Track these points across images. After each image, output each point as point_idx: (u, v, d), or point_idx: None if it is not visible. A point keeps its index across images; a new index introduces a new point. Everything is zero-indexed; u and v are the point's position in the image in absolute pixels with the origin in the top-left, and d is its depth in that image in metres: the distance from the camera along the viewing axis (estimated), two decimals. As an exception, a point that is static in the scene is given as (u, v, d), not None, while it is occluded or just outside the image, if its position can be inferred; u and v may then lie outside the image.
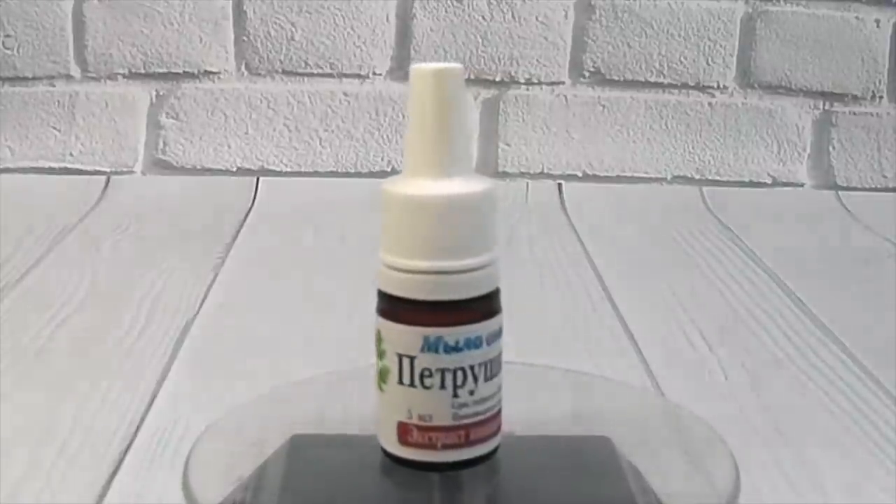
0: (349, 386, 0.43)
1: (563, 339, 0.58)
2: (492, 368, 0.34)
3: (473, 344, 0.33)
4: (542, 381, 0.42)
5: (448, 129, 0.33)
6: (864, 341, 0.58)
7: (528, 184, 0.90)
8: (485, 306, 0.33)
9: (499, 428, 0.35)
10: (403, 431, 0.34)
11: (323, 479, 0.36)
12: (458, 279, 0.33)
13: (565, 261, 0.73)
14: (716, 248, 0.77)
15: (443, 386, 0.33)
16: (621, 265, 0.72)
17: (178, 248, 0.74)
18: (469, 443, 0.34)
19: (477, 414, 0.34)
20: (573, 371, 0.45)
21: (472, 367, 0.33)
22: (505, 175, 0.90)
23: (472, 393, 0.33)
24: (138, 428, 0.46)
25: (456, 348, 0.33)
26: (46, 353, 0.55)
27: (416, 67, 0.33)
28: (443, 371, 0.33)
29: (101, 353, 0.55)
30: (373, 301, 0.34)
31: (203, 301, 0.63)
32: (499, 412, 0.35)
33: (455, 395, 0.33)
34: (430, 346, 0.33)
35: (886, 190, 0.93)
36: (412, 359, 0.33)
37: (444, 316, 0.33)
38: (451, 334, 0.33)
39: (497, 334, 0.34)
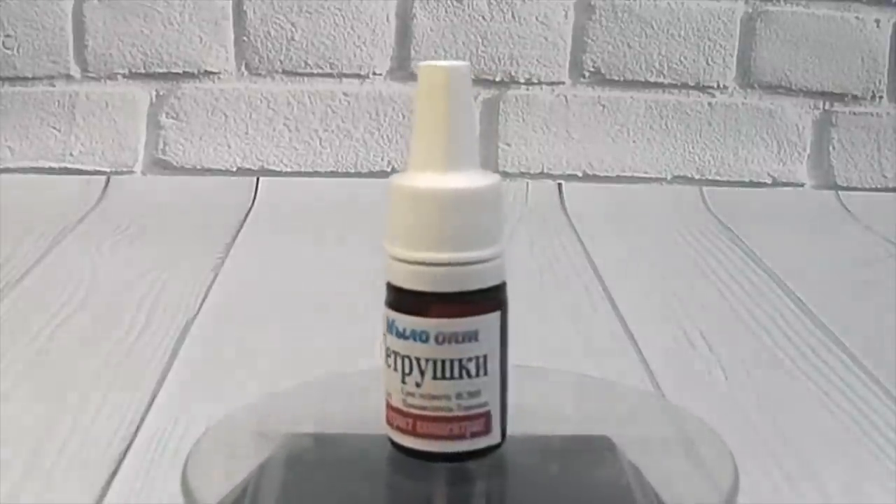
0: (349, 386, 0.43)
1: (562, 339, 0.58)
2: (444, 369, 0.33)
3: (419, 337, 0.33)
4: (542, 382, 0.42)
5: (455, 125, 0.33)
6: (864, 341, 0.58)
7: (528, 184, 0.90)
8: (434, 304, 0.33)
9: (462, 436, 0.34)
10: (385, 404, 0.35)
11: (322, 478, 0.36)
12: (409, 269, 0.34)
13: (565, 261, 0.73)
14: (716, 248, 0.77)
15: (395, 368, 0.34)
16: (621, 265, 0.72)
17: (178, 248, 0.74)
18: (416, 433, 0.34)
19: (423, 408, 0.34)
20: (573, 371, 0.45)
21: (417, 360, 0.33)
22: (505, 175, 0.90)
23: (417, 385, 0.34)
24: (138, 428, 0.46)
25: (403, 335, 0.34)
26: (46, 353, 0.55)
27: (425, 64, 0.33)
28: (395, 354, 0.34)
29: (101, 353, 0.55)
30: (372, 301, 0.35)
31: (203, 301, 0.63)
32: (464, 420, 0.34)
33: (403, 381, 0.34)
34: (389, 327, 0.34)
35: (886, 190, 0.93)
36: (384, 336, 0.35)
37: (398, 301, 0.34)
38: (401, 321, 0.34)
39: (455, 339, 0.33)
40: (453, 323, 0.33)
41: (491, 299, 0.34)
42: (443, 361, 0.34)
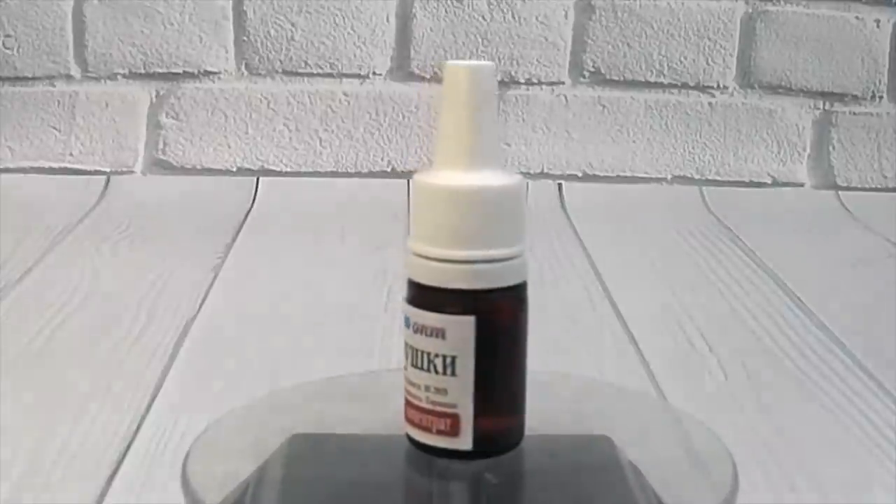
0: (349, 386, 0.43)
1: (562, 340, 0.58)
2: (416, 358, 0.34)
3: (406, 322, 0.34)
4: (541, 382, 0.42)
5: (482, 124, 0.34)
6: (864, 341, 0.58)
7: (528, 184, 0.90)
8: (414, 293, 0.34)
9: (428, 429, 0.34)
10: None
11: (323, 478, 0.36)
12: (408, 256, 0.34)
13: (565, 260, 0.73)
14: (716, 248, 0.77)
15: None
16: (621, 265, 0.72)
17: (178, 248, 0.74)
18: (405, 416, 0.35)
19: (408, 392, 0.35)
20: (573, 372, 0.45)
21: (406, 343, 0.34)
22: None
23: (406, 368, 0.35)
24: (138, 428, 0.46)
25: (405, 319, 0.35)
26: (46, 353, 0.55)
27: (452, 64, 0.34)
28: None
29: (101, 353, 0.55)
30: (372, 300, 0.35)
31: (203, 301, 0.63)
32: (431, 414, 0.34)
33: (404, 362, 0.35)
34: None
35: (886, 190, 0.93)
36: None
37: (407, 286, 0.35)
38: (404, 305, 0.35)
39: (425, 331, 0.34)
40: (420, 314, 0.34)
41: (461, 301, 0.34)
42: (415, 350, 0.34)
